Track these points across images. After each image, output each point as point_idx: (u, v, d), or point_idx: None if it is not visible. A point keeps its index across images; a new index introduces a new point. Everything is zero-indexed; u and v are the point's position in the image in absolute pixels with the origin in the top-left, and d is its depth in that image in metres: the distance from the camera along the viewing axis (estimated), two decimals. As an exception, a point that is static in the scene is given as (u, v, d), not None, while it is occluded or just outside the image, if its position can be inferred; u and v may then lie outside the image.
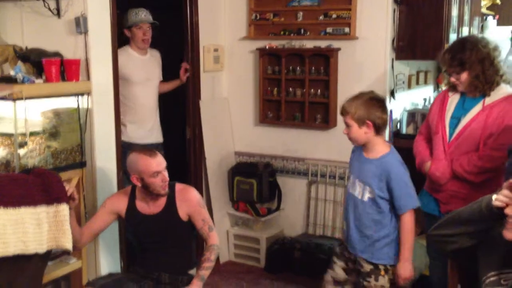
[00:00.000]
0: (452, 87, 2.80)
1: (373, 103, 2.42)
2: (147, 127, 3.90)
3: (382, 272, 2.50)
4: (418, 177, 2.87)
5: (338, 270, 2.67)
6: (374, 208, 2.51)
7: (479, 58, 2.63)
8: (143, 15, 3.80)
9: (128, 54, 3.82)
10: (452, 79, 2.71)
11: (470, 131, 2.65)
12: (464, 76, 2.66)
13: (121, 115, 3.62)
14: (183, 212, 2.88)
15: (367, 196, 2.52)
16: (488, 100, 2.65)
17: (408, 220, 2.47)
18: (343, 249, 2.69)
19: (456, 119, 2.72)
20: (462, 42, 2.74)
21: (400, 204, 2.45)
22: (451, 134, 2.72)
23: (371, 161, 2.51)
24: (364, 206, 2.53)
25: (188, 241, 2.99)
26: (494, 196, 1.72)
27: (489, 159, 2.59)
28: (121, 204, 2.94)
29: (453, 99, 2.78)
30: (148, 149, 2.98)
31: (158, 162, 2.81)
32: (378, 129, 2.42)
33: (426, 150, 2.87)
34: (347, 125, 2.48)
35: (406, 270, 2.47)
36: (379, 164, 2.46)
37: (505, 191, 1.68)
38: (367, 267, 2.51)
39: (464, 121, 2.68)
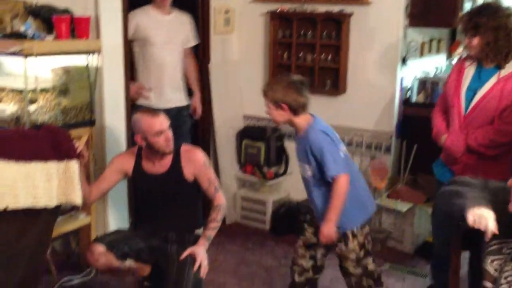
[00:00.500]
0: (469, 57, 2.77)
1: (290, 87, 2.51)
2: (168, 92, 3.75)
3: (351, 238, 2.57)
4: (436, 147, 2.90)
5: (308, 235, 2.74)
6: (319, 182, 2.58)
7: (495, 26, 2.59)
8: None
9: (148, 14, 3.67)
10: (466, 41, 2.70)
11: (485, 104, 2.63)
12: (476, 41, 2.63)
13: (142, 78, 3.60)
14: (188, 173, 2.91)
15: (309, 173, 2.59)
16: (503, 72, 2.62)
17: (336, 187, 2.50)
18: (313, 217, 2.76)
19: (472, 92, 2.70)
20: (483, 7, 2.71)
21: (326, 172, 2.50)
22: (466, 107, 2.70)
23: (300, 140, 2.60)
24: (312, 183, 2.61)
25: (194, 201, 3.03)
26: None
27: (503, 133, 2.58)
28: (128, 164, 2.97)
29: (469, 70, 2.74)
30: (152, 109, 2.98)
31: (161, 121, 2.83)
32: (295, 111, 2.52)
33: (442, 122, 2.85)
34: (267, 106, 2.59)
35: (329, 230, 2.53)
36: (304, 140, 2.55)
37: None
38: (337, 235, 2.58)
39: (480, 93, 2.65)
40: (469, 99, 2.70)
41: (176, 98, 3.81)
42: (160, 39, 3.65)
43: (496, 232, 1.85)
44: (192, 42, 3.91)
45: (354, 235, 2.57)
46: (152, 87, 3.68)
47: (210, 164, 3.08)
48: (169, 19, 3.73)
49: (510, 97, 2.58)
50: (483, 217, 1.87)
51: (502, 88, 2.59)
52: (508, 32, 2.61)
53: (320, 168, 2.52)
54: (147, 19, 3.64)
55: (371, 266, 2.61)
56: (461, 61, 2.85)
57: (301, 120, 2.56)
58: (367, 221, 2.62)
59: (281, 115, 2.54)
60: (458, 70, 2.80)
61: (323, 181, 2.55)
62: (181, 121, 3.82)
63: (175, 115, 3.63)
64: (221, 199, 2.94)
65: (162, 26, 3.68)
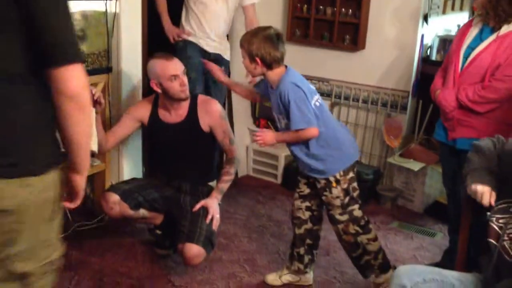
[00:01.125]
0: (477, 17, 2.73)
1: (266, 41, 2.48)
2: (211, 35, 3.52)
3: (334, 184, 2.61)
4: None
5: (302, 186, 2.77)
6: None
7: None
8: None
9: None
10: None
11: (480, 61, 2.63)
12: None
13: (185, 20, 3.51)
14: (204, 124, 2.91)
15: (283, 125, 2.60)
16: (502, 31, 2.60)
17: (299, 133, 2.50)
18: None
19: (470, 49, 2.69)
20: None
21: (291, 125, 2.50)
22: (463, 64, 2.70)
23: (273, 92, 2.59)
24: None
25: (209, 153, 3.05)
26: None
27: (493, 89, 2.59)
28: (144, 112, 2.98)
29: (474, 29, 2.72)
30: (167, 53, 2.93)
31: (175, 65, 2.82)
32: (269, 65, 2.51)
33: (439, 79, 2.86)
34: (243, 57, 2.58)
35: (268, 137, 2.58)
36: (277, 92, 2.54)
37: None
38: (322, 182, 2.62)
39: (476, 51, 2.65)
40: (467, 56, 2.69)
41: (218, 46, 3.59)
42: None
43: (493, 204, 1.95)
44: None
45: (337, 181, 2.60)
46: (193, 24, 3.50)
47: (226, 116, 3.08)
48: None
49: (504, 56, 2.57)
50: (477, 193, 1.98)
51: (497, 47, 2.58)
52: None
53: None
54: None
55: (356, 212, 2.65)
56: (470, 21, 2.82)
57: (274, 75, 2.55)
58: (350, 167, 2.63)
59: (255, 68, 2.54)
60: (464, 29, 2.78)
61: None
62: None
63: (213, 61, 3.45)
64: (235, 152, 2.96)
65: None
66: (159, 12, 3.56)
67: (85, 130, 1.52)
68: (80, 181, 1.63)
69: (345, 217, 2.65)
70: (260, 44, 2.48)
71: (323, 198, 2.66)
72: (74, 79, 1.41)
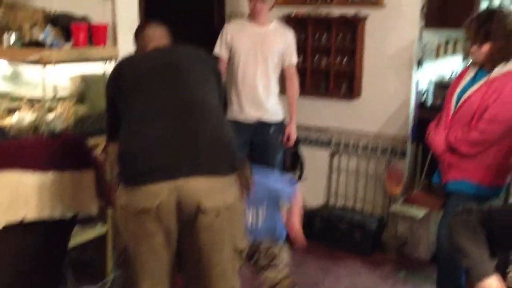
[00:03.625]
0: (474, 63, 2.78)
1: None
2: (246, 105, 3.55)
3: None
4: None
5: None
6: None
7: (506, 33, 2.62)
8: None
9: (242, 24, 3.58)
10: (472, 49, 2.69)
11: (469, 104, 2.67)
12: (486, 47, 2.64)
13: (228, 88, 3.51)
14: None
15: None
16: (493, 74, 2.66)
17: None
18: None
19: (463, 92, 2.74)
20: (491, 13, 2.71)
21: None
22: (455, 107, 2.75)
23: None
24: None
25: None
26: None
27: (480, 131, 2.62)
28: None
29: (470, 73, 2.79)
30: None
31: None
32: None
33: (434, 122, 2.90)
34: None
35: None
36: None
37: None
38: None
39: (467, 93, 2.70)
40: (459, 99, 2.74)
41: (256, 114, 3.57)
42: (245, 48, 3.49)
43: None
44: (291, 59, 3.63)
45: None
46: (232, 98, 3.55)
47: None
48: (262, 30, 3.53)
49: (492, 98, 2.61)
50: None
51: (486, 90, 2.63)
52: None
53: None
54: (239, 28, 3.55)
55: None
56: (467, 67, 2.88)
57: None
58: None
59: None
60: (462, 73, 2.85)
61: None
62: (266, 137, 3.61)
63: (254, 129, 3.55)
64: None
65: (251, 35, 3.51)
66: None
67: None
68: None
69: None
70: None
71: None
72: None
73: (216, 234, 2.01)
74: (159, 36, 2.34)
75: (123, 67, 2.22)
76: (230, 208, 2.03)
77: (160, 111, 2.06)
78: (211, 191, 1.98)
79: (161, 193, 1.94)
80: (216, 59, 3.39)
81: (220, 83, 2.30)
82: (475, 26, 2.67)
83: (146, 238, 1.99)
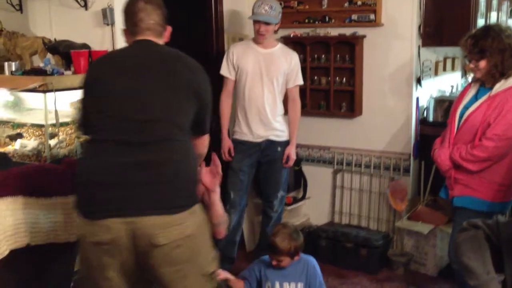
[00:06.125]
0: (476, 80, 2.81)
1: None
2: (254, 125, 3.57)
3: None
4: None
5: None
6: None
7: (500, 48, 2.64)
8: (262, 10, 3.44)
9: (247, 45, 3.60)
10: (471, 66, 2.74)
11: (472, 120, 2.69)
12: (483, 64, 2.67)
13: (236, 110, 3.60)
14: None
15: None
16: (493, 91, 2.68)
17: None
18: None
19: (465, 109, 2.77)
20: (486, 30, 2.74)
21: None
22: (458, 124, 2.77)
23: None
24: None
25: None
26: None
27: (483, 148, 2.64)
28: None
29: (472, 90, 2.82)
30: None
31: None
32: None
33: (440, 138, 2.93)
34: None
35: None
36: None
37: None
38: None
39: (469, 110, 2.72)
40: (462, 116, 2.77)
41: (264, 133, 3.59)
42: (249, 70, 3.52)
43: None
44: (295, 81, 3.64)
45: None
46: (240, 118, 3.61)
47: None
48: (267, 51, 3.56)
49: (494, 115, 2.63)
50: None
51: (488, 106, 2.65)
52: None
53: None
54: (245, 50, 3.56)
55: None
56: (469, 83, 2.91)
57: None
58: None
59: None
60: (465, 90, 2.88)
61: None
62: (274, 156, 3.64)
63: (265, 148, 3.60)
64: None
65: (256, 57, 3.54)
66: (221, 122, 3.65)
67: None
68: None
69: None
70: None
71: None
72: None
73: (176, 265, 1.96)
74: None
75: (93, 75, 2.07)
76: (191, 236, 1.96)
77: (122, 136, 1.94)
78: (167, 226, 1.92)
79: (115, 229, 1.90)
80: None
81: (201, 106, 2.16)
82: (470, 43, 2.70)
83: (103, 269, 1.96)
